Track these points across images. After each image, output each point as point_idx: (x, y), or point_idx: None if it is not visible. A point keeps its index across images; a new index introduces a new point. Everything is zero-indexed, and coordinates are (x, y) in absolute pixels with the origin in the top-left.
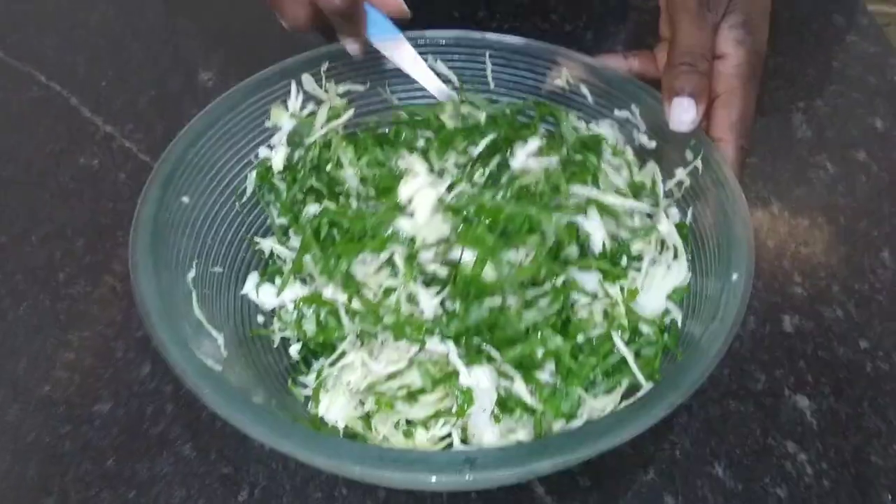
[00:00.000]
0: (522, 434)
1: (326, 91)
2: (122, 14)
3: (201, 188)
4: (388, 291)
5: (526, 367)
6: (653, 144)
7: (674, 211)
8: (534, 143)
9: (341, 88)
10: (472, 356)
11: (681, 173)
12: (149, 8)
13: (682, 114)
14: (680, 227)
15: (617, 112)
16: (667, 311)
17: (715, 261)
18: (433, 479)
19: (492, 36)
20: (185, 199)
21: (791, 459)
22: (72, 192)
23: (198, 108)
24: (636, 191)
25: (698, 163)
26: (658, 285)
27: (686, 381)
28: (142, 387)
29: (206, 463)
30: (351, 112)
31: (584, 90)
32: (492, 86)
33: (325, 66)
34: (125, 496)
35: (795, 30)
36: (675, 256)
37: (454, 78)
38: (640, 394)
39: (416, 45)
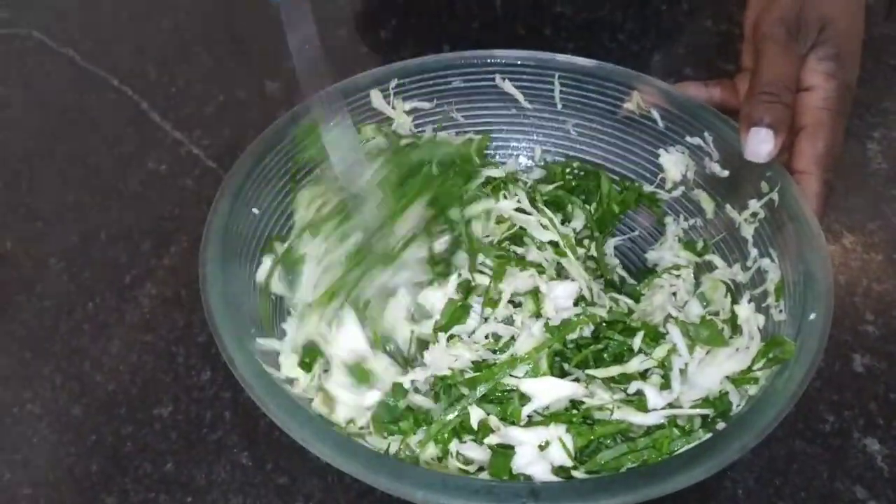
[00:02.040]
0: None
1: (394, 108)
2: (193, 22)
3: (269, 199)
4: None
5: None
6: (725, 174)
7: (753, 251)
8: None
9: (408, 105)
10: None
11: (755, 205)
12: (219, 17)
13: (759, 144)
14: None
15: (689, 139)
16: (724, 393)
17: (791, 298)
18: None
19: (561, 57)
20: (255, 211)
21: None
22: (139, 196)
23: (264, 117)
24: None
25: (775, 195)
26: (719, 364)
27: (760, 423)
28: (201, 393)
29: (262, 472)
30: None
31: (656, 114)
32: (559, 107)
33: (393, 84)
34: (182, 500)
35: (871, 56)
36: (748, 346)
37: (520, 97)
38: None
39: (483, 65)
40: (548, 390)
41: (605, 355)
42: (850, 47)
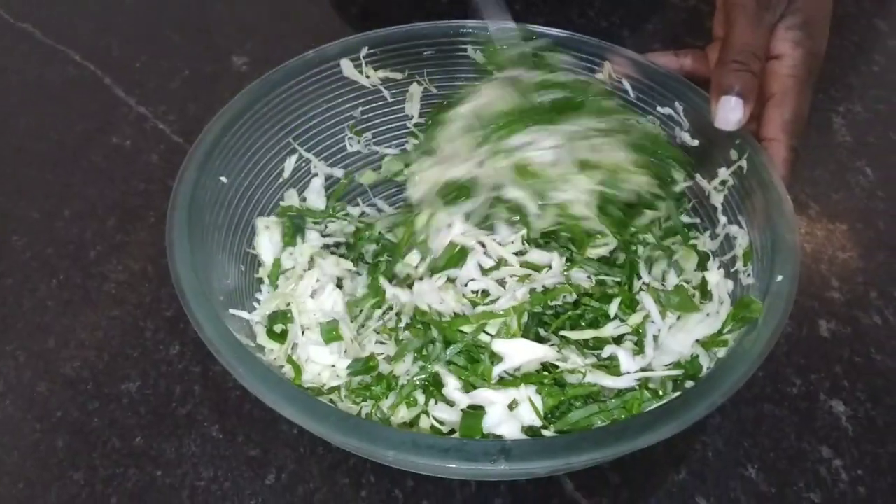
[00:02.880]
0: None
1: (367, 77)
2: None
3: (237, 169)
4: None
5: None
6: (695, 143)
7: (722, 218)
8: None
9: (381, 74)
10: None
11: (724, 173)
12: None
13: (729, 112)
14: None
15: (659, 108)
16: (695, 356)
17: (759, 262)
18: (467, 467)
19: (534, 28)
20: (224, 180)
21: (826, 465)
22: (103, 172)
23: (231, 91)
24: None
25: (743, 163)
26: (690, 329)
27: (728, 382)
28: (170, 367)
29: (233, 445)
30: None
31: (627, 85)
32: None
33: (364, 52)
34: (152, 474)
35: (836, 33)
36: (718, 311)
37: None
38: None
39: (455, 36)
40: (519, 351)
41: (582, 322)
42: (819, 17)
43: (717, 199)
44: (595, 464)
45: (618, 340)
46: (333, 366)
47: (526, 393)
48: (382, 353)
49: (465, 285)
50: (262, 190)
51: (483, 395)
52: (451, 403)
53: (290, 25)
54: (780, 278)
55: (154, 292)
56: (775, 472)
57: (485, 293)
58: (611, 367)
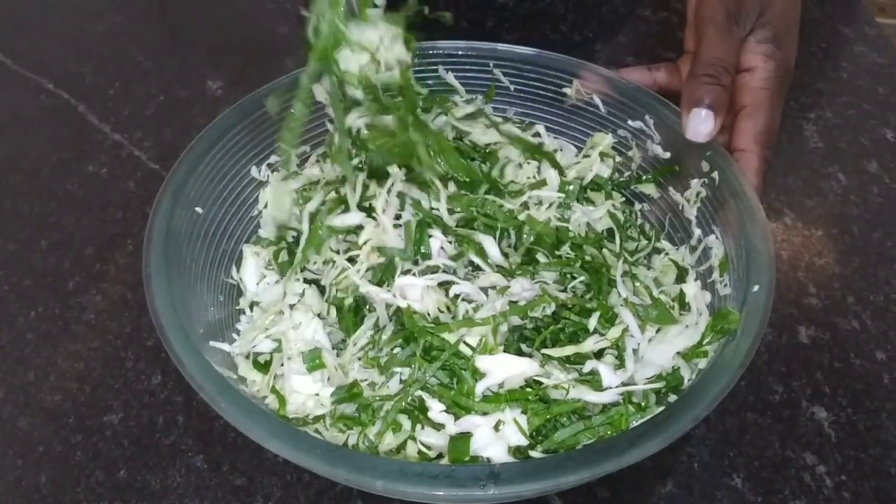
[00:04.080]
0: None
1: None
2: (127, 23)
3: (213, 198)
4: None
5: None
6: (667, 155)
7: (697, 230)
8: None
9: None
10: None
11: (696, 184)
12: (154, 18)
13: (699, 124)
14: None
15: (630, 122)
16: (676, 368)
17: (735, 272)
18: (456, 493)
19: (502, 47)
20: (199, 210)
21: (810, 472)
22: (80, 201)
23: (206, 116)
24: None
25: (715, 174)
26: (670, 341)
27: (710, 393)
28: (152, 397)
29: (218, 475)
30: None
31: (597, 100)
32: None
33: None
34: None
35: (804, 40)
36: (697, 323)
37: (461, 89)
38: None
39: (426, 56)
40: (502, 367)
41: (562, 336)
42: (788, 29)
43: (691, 212)
44: (584, 482)
45: (598, 355)
46: (317, 394)
47: (511, 415)
48: (367, 379)
49: (448, 291)
50: (238, 219)
51: (469, 421)
52: (437, 427)
53: (261, 47)
54: (756, 288)
55: (134, 321)
56: (761, 480)
57: (467, 299)
58: (593, 381)
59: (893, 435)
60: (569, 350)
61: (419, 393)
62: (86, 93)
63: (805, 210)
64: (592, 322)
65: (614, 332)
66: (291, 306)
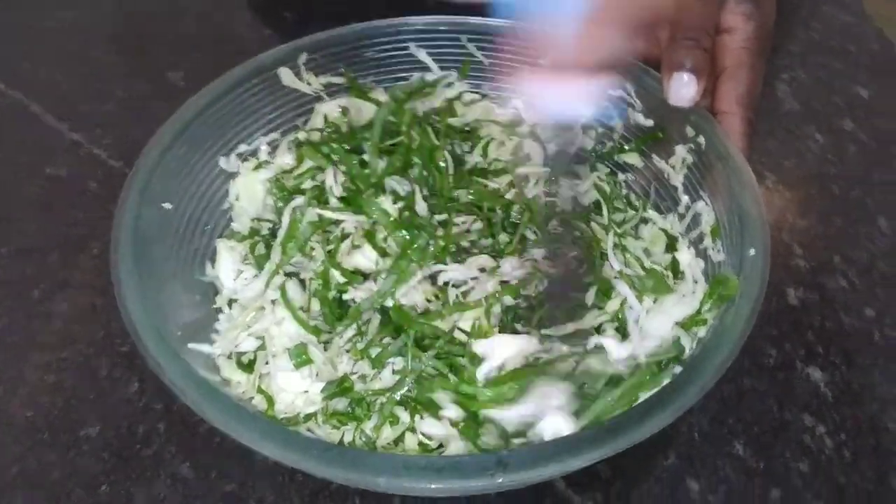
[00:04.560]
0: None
1: (309, 83)
2: (79, 19)
3: (180, 192)
4: None
5: None
6: (649, 123)
7: (684, 197)
8: None
9: (322, 80)
10: None
11: (681, 150)
12: (107, 12)
13: (682, 88)
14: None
15: (610, 91)
16: (677, 339)
17: (727, 238)
18: (463, 484)
19: (474, 20)
20: (167, 206)
21: (809, 433)
22: (41, 205)
23: (170, 109)
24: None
25: (701, 139)
26: (667, 311)
27: (715, 363)
28: (130, 406)
29: (206, 482)
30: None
31: None
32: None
33: (303, 59)
34: None
35: None
36: (693, 291)
37: (434, 66)
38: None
39: (396, 34)
40: (500, 347)
41: (558, 313)
42: None
43: (678, 179)
44: (592, 463)
45: (598, 329)
46: (307, 391)
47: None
48: (356, 372)
49: (435, 279)
50: (209, 212)
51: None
52: (437, 417)
53: (222, 37)
54: (752, 252)
55: (105, 327)
56: (761, 445)
57: (456, 284)
58: (600, 356)
59: (888, 391)
60: (570, 328)
61: (429, 395)
62: (40, 92)
63: (784, 171)
64: (590, 296)
65: (613, 305)
66: (273, 301)
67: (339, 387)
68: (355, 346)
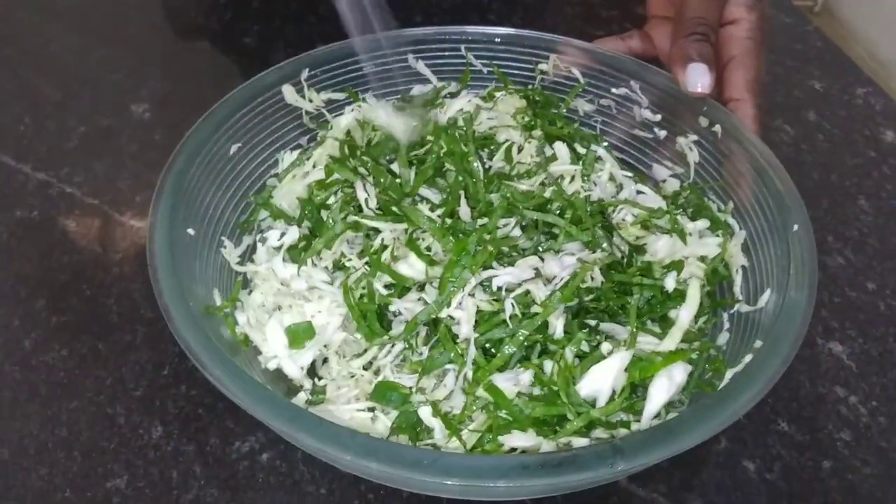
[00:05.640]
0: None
1: (311, 101)
2: (24, 54)
3: (199, 216)
4: None
5: None
6: (657, 118)
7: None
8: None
9: (323, 97)
10: None
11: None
12: (55, 46)
13: (699, 77)
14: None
15: (614, 90)
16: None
17: (765, 221)
18: (581, 477)
19: (472, 28)
20: (191, 232)
21: (844, 403)
22: (15, 251)
23: (137, 142)
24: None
25: (717, 128)
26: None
27: (789, 339)
28: (158, 451)
29: None
30: None
31: (576, 73)
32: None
33: (304, 74)
34: None
35: None
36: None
37: (433, 78)
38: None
39: (394, 45)
40: (602, 381)
41: (628, 305)
42: None
43: (692, 157)
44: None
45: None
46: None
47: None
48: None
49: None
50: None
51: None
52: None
53: (182, 65)
54: (795, 227)
55: (113, 372)
56: (804, 420)
57: (509, 288)
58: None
59: None
60: (676, 335)
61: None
62: None
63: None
64: (670, 282)
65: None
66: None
67: (405, 419)
68: (410, 361)
